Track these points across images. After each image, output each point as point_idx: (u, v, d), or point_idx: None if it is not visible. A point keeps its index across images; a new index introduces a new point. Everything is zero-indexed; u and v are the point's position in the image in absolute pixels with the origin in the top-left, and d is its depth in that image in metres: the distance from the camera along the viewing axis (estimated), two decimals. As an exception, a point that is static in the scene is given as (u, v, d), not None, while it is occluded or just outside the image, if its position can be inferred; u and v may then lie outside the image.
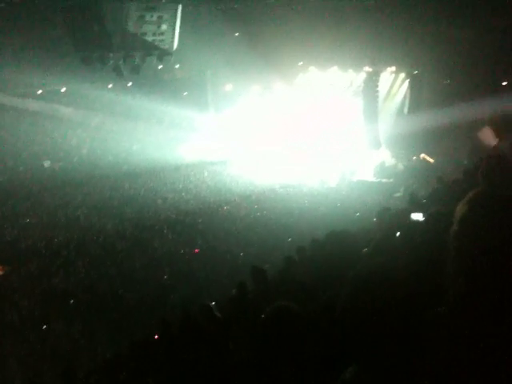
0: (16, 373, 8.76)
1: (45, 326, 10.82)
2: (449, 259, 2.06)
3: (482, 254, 1.92)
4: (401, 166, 23.90)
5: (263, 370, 2.64)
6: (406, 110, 25.28)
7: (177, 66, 28.33)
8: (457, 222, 2.05)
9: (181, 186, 23.39)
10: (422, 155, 23.58)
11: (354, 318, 1.80)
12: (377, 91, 24.53)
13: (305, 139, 26.44)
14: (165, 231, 17.13)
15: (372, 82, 24.61)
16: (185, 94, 29.70)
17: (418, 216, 6.30)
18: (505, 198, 2.12)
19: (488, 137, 20.18)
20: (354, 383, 1.78)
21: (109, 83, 27.59)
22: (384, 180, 22.69)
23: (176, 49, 18.45)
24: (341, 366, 1.93)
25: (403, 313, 1.83)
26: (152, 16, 17.56)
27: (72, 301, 12.11)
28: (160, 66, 25.03)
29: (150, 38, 17.82)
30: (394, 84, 25.80)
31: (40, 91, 27.73)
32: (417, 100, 24.75)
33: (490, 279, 1.88)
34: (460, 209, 2.09)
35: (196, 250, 15.69)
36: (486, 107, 19.77)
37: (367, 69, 24.70)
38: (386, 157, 24.60)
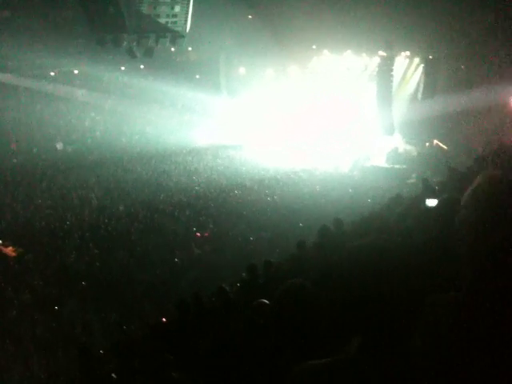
0: (29, 353, 8.89)
1: (57, 307, 10.94)
2: (457, 243, 2.06)
3: (487, 238, 1.91)
4: (414, 153, 23.77)
5: (274, 347, 2.68)
6: (419, 95, 25.07)
7: (190, 49, 28.24)
8: (463, 207, 2.05)
9: (193, 169, 23.43)
10: (436, 142, 23.41)
11: (356, 290, 1.81)
12: (391, 76, 24.33)
13: (318, 124, 26.32)
14: (176, 214, 17.19)
15: (386, 66, 24.40)
16: (197, 76, 29.62)
17: (432, 202, 6.27)
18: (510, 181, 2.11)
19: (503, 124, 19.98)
20: (359, 354, 1.79)
21: (122, 65, 27.60)
22: (397, 166, 22.59)
23: (189, 31, 18.38)
24: (345, 337, 1.95)
25: (409, 292, 1.84)
26: (166, -2, 17.49)
27: (84, 282, 12.24)
28: (173, 49, 24.98)
29: (163, 20, 17.76)
30: (409, 69, 25.58)
31: (53, 73, 27.81)
32: (431, 85, 24.51)
33: (496, 264, 1.88)
34: (467, 193, 2.09)
35: (206, 234, 15.74)
36: (501, 94, 19.54)
37: (381, 53, 24.47)
38: (400, 143, 24.46)
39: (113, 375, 5.66)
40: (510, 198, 1.99)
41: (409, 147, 24.13)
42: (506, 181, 2.09)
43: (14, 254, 14.14)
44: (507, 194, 2.00)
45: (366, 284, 1.78)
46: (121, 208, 17.87)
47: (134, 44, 18.48)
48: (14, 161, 23.02)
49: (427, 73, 24.75)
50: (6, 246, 14.43)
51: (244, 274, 8.10)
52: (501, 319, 1.77)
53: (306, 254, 7.59)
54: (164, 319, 7.35)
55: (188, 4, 17.85)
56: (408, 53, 24.89)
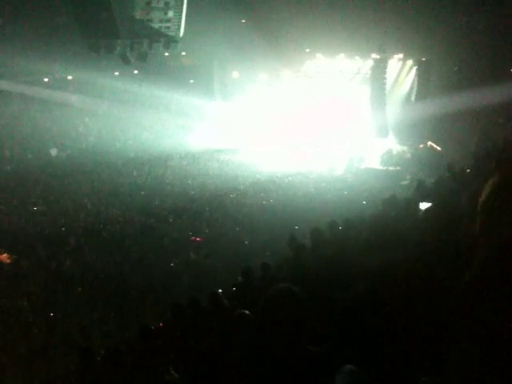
0: (25, 359, 8.86)
1: (53, 313, 10.91)
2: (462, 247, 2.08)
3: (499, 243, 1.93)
4: (408, 154, 23.82)
5: (264, 352, 2.67)
6: (413, 97, 25.14)
7: (183, 54, 28.25)
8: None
9: (188, 173, 23.41)
10: (430, 143, 23.48)
11: (373, 314, 1.81)
12: (384, 78, 24.39)
13: (312, 127, 26.35)
14: (172, 219, 17.18)
15: (379, 69, 24.46)
16: (191, 81, 29.63)
17: (426, 206, 6.30)
18: None
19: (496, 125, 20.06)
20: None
21: (115, 71, 27.58)
22: (391, 168, 22.63)
23: (183, 36, 18.41)
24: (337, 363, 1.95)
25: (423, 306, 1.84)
26: (159, 3, 17.52)
27: (80, 288, 12.21)
28: (166, 54, 25.00)
29: (156, 25, 17.79)
30: (402, 71, 25.65)
31: (47, 79, 27.78)
32: (424, 87, 24.59)
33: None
34: (484, 201, 2.09)
35: (199, 239, 15.71)
36: (494, 95, 19.62)
37: (375, 56, 24.54)
38: (393, 145, 24.51)
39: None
40: None
41: (403, 149, 24.18)
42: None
43: (8, 261, 14.09)
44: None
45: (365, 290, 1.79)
46: (115, 213, 17.84)
47: (128, 49, 18.48)
48: (8, 168, 22.94)
49: (420, 75, 24.83)
50: (1, 253, 14.38)
51: (239, 278, 8.08)
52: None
53: (302, 257, 7.58)
54: (160, 323, 7.34)
55: (181, 9, 17.89)
56: (401, 55, 24.97)
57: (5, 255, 14.29)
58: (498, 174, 2.16)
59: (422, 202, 7.04)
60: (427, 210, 5.80)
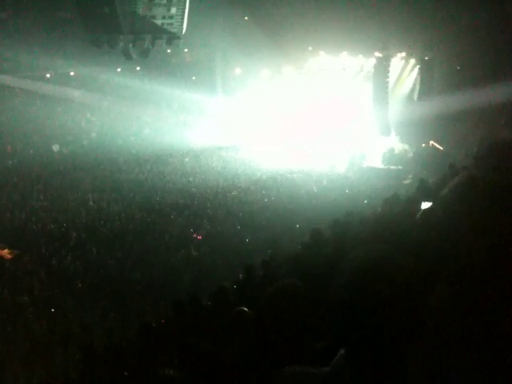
0: (26, 355, 8.87)
1: (54, 309, 10.92)
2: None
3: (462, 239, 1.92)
4: (410, 153, 23.79)
5: (265, 349, 2.66)
6: (415, 96, 25.09)
7: (186, 50, 28.23)
8: (440, 206, 2.07)
9: (189, 170, 23.41)
10: (432, 142, 23.44)
11: (352, 309, 1.80)
12: (387, 77, 24.35)
13: (314, 125, 26.33)
14: (173, 216, 17.18)
15: (382, 67, 24.42)
16: (193, 78, 29.60)
17: (427, 205, 6.29)
18: (493, 181, 2.12)
19: (498, 124, 20.01)
20: (343, 370, 1.78)
21: (118, 67, 27.56)
22: (393, 167, 22.61)
23: (185, 32, 18.38)
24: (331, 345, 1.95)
25: (406, 300, 1.83)
26: (162, -1, 17.49)
27: (81, 284, 12.22)
28: (169, 50, 24.99)
29: (159, 22, 17.77)
30: (404, 70, 25.60)
31: (49, 74, 27.76)
32: (427, 86, 24.53)
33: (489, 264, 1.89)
34: (444, 193, 2.10)
35: (199, 237, 15.71)
36: (497, 94, 19.57)
37: (377, 54, 24.50)
38: (396, 143, 24.48)
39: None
40: (491, 199, 2.00)
41: (404, 148, 24.15)
42: (486, 181, 2.10)
43: (10, 257, 14.10)
44: (487, 195, 2.01)
45: (363, 287, 1.77)
46: (117, 209, 17.84)
47: (130, 45, 18.46)
48: (10, 163, 22.94)
49: (423, 73, 24.77)
50: (3, 249, 14.39)
51: (241, 275, 8.08)
52: (499, 315, 1.78)
53: (303, 254, 7.58)
54: (161, 320, 7.34)
55: (184, 5, 17.85)
56: (404, 54, 24.92)
57: (6, 251, 14.30)
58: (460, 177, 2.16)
59: (424, 201, 7.03)
60: (426, 211, 5.80)
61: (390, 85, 24.78)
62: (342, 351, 1.74)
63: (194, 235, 15.80)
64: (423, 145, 23.83)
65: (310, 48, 25.99)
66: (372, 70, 25.14)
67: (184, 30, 18.38)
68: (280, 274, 6.82)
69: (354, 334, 1.70)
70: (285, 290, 2.56)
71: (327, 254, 6.30)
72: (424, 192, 8.63)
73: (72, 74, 28.35)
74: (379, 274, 1.77)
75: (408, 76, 25.54)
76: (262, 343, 2.68)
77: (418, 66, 25.01)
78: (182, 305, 6.73)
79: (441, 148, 22.96)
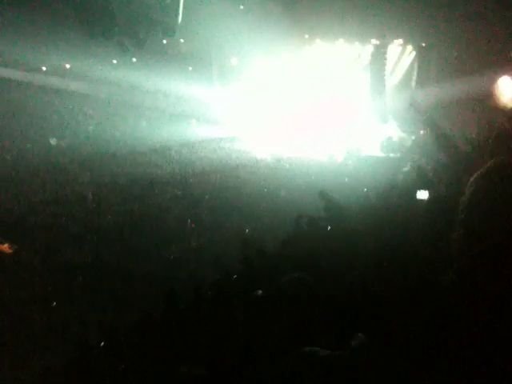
0: (26, 349, 8.88)
1: (53, 302, 10.93)
2: (456, 228, 2.03)
3: (493, 223, 1.87)
4: (409, 141, 23.72)
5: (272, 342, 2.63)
6: (413, 83, 25.00)
7: (182, 41, 28.05)
8: (470, 193, 2.00)
9: (187, 161, 23.35)
10: (430, 129, 23.37)
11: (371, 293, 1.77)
12: (384, 64, 24.25)
13: (311, 113, 26.24)
14: (171, 207, 17.16)
15: (379, 55, 24.31)
16: (190, 68, 29.44)
17: (423, 194, 6.28)
18: None
19: (496, 109, 19.92)
20: (355, 354, 1.76)
21: (114, 59, 27.41)
22: (392, 155, 22.56)
23: (181, 23, 18.26)
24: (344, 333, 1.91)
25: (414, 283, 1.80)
26: (156, -11, 17.38)
27: (80, 277, 12.22)
28: (164, 41, 24.85)
29: (154, 12, 17.65)
30: (402, 57, 25.49)
31: (44, 67, 27.61)
32: (424, 73, 24.45)
33: (498, 247, 1.84)
34: (475, 179, 2.04)
35: (193, 225, 15.71)
36: (495, 81, 19.48)
37: (374, 41, 24.37)
38: (394, 131, 24.42)
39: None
40: None
41: (403, 136, 24.08)
42: None
43: (9, 251, 14.09)
44: None
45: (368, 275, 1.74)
46: (115, 202, 17.82)
47: (125, 37, 18.37)
48: (8, 157, 22.87)
49: (420, 61, 24.68)
50: (2, 243, 14.37)
51: (240, 266, 8.08)
52: (493, 302, 1.75)
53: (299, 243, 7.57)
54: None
55: (179, -5, 17.74)
56: (401, 40, 24.79)
57: (6, 245, 14.28)
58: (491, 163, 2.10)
59: (422, 189, 6.99)
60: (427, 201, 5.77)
61: (388, 72, 24.69)
62: (360, 334, 1.72)
63: (191, 225, 15.81)
64: (422, 132, 23.75)
65: (307, 36, 25.82)
66: (369, 57, 25.02)
67: (179, 21, 18.27)
68: (277, 265, 6.80)
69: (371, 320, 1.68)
70: (295, 284, 2.51)
71: (325, 243, 6.27)
72: (423, 180, 8.59)
73: (68, 66, 28.18)
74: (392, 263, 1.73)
75: (406, 63, 25.43)
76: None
77: (416, 53, 24.90)
78: (174, 295, 6.68)
79: (439, 135, 22.88)
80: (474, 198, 2.00)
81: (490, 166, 2.06)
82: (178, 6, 17.94)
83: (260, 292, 4.44)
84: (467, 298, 1.85)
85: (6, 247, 14.22)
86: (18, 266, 13.09)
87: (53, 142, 25.42)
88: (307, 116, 26.29)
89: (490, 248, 1.84)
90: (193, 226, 15.65)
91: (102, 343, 6.79)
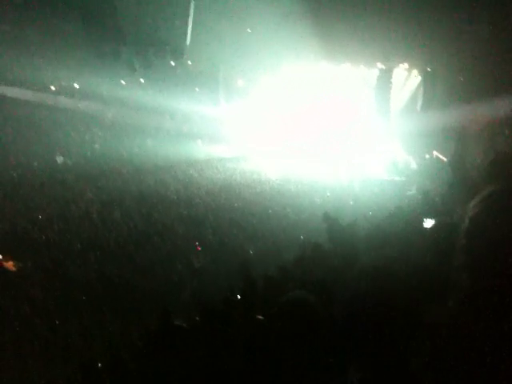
0: (29, 366, 8.85)
1: (57, 320, 10.90)
2: (456, 255, 2.05)
3: (494, 250, 1.90)
4: (413, 164, 23.77)
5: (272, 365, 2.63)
6: (418, 107, 25.12)
7: (189, 62, 28.35)
8: (469, 219, 2.03)
9: (193, 181, 23.42)
10: (435, 153, 23.43)
11: (362, 313, 1.79)
12: (390, 88, 24.43)
13: (317, 135, 26.38)
14: (176, 226, 17.16)
15: (385, 78, 24.50)
16: (197, 89, 29.70)
17: (428, 222, 6.33)
18: None
19: (500, 135, 19.99)
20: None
21: (122, 79, 27.70)
22: (396, 178, 22.59)
23: (189, 44, 18.49)
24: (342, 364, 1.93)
25: (409, 308, 1.82)
26: (165, 11, 17.62)
27: (84, 294, 12.20)
28: (172, 62, 25.13)
29: (162, 33, 17.89)
30: (407, 80, 25.65)
31: (53, 86, 27.89)
32: (430, 97, 24.57)
33: (498, 276, 1.86)
34: (474, 206, 2.07)
35: (198, 247, 15.69)
36: (501, 106, 19.58)
37: (380, 65, 24.58)
38: (399, 154, 24.48)
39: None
40: None
41: (408, 159, 24.14)
42: None
43: (14, 269, 14.09)
44: None
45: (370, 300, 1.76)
46: (120, 220, 17.84)
47: (134, 57, 18.59)
48: (14, 174, 22.99)
49: (426, 84, 24.83)
50: (7, 260, 14.38)
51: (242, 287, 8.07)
52: (497, 330, 1.76)
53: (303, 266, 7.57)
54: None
55: (188, 17, 17.98)
56: (406, 64, 24.98)
57: (10, 263, 14.29)
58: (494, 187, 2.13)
59: (427, 217, 7.02)
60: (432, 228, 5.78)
61: (393, 95, 24.85)
62: (358, 365, 1.73)
63: (195, 245, 15.78)
64: (427, 156, 23.81)
65: (313, 58, 26.05)
66: (375, 80, 25.21)
67: (188, 42, 18.50)
68: (284, 287, 6.79)
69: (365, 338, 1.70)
70: (295, 304, 2.51)
71: (330, 268, 6.28)
72: (429, 205, 8.63)
73: (76, 85, 28.47)
74: (388, 282, 1.76)
75: (411, 87, 25.59)
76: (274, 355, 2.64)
77: (421, 77, 25.06)
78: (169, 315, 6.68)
79: (444, 159, 22.92)
80: (474, 224, 2.03)
81: (490, 192, 2.10)
82: (187, 28, 18.18)
83: (262, 317, 4.45)
84: (468, 329, 1.87)
85: (10, 264, 14.23)
86: (23, 282, 13.08)
87: (59, 159, 25.59)
88: (313, 136, 26.43)
89: (492, 276, 1.87)
90: (198, 248, 15.63)
91: (105, 361, 6.77)
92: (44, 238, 16.07)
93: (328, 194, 20.69)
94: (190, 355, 5.63)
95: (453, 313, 1.98)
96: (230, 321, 6.31)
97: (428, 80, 24.71)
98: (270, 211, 18.82)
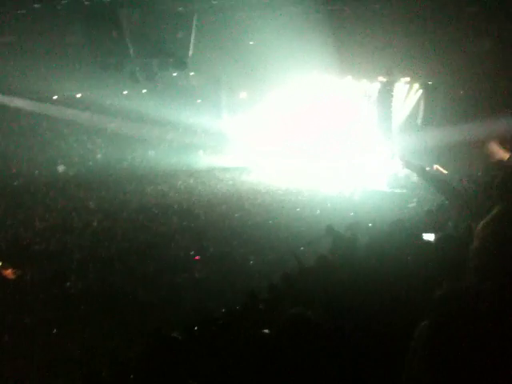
0: (28, 376, 8.83)
1: (57, 330, 10.88)
2: (467, 275, 2.06)
3: (506, 271, 1.91)
4: (414, 177, 23.77)
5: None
6: (419, 120, 25.19)
7: (192, 74, 28.49)
8: (479, 239, 2.03)
9: (194, 192, 23.46)
10: (436, 166, 23.44)
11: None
12: (391, 101, 24.52)
13: (319, 148, 26.43)
14: (177, 237, 17.17)
15: (386, 92, 24.60)
16: (199, 101, 29.82)
17: (429, 236, 6.35)
18: None
19: (502, 150, 20.00)
20: None
21: (124, 90, 27.83)
22: (397, 190, 22.60)
23: (191, 56, 18.61)
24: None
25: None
26: (168, 23, 17.76)
27: (84, 304, 12.18)
28: (175, 74, 25.26)
29: (165, 46, 18.01)
30: (408, 94, 25.74)
31: (56, 97, 28.01)
32: (431, 111, 24.64)
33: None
34: (484, 226, 2.07)
35: (197, 257, 15.71)
36: (502, 120, 19.62)
37: (381, 79, 24.68)
38: (400, 167, 24.48)
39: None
40: None
41: (409, 172, 24.13)
42: None
43: (13, 277, 14.08)
44: None
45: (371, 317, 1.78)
46: (121, 230, 17.85)
47: (137, 69, 18.70)
48: (15, 183, 23.05)
49: (427, 99, 24.91)
50: (6, 269, 14.38)
51: (244, 300, 8.07)
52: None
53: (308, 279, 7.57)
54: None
55: (191, 30, 18.12)
56: (408, 78, 25.08)
57: (9, 271, 14.29)
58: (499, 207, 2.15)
59: (429, 229, 7.05)
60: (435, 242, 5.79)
61: (394, 109, 24.93)
62: None
63: (196, 257, 15.80)
64: (428, 168, 23.80)
65: (315, 72, 26.18)
66: (376, 94, 25.31)
67: (190, 54, 18.61)
68: (285, 300, 6.79)
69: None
70: (294, 321, 2.51)
71: (334, 281, 6.28)
72: (430, 221, 8.64)
73: (79, 96, 28.60)
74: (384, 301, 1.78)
75: (412, 101, 25.67)
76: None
77: (422, 91, 25.15)
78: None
79: (445, 172, 22.94)
80: (483, 245, 2.05)
81: (498, 212, 2.12)
82: (190, 40, 18.31)
83: (267, 331, 4.44)
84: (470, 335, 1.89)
85: (9, 272, 14.24)
86: (22, 291, 13.07)
87: (60, 169, 25.64)
88: (314, 149, 26.48)
89: (504, 296, 1.89)
90: (197, 258, 15.64)
91: (106, 372, 6.76)
92: (45, 247, 16.09)
93: (328, 205, 20.71)
94: (190, 367, 5.63)
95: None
96: (230, 332, 6.32)
97: (429, 94, 24.79)
98: (271, 222, 18.84)
